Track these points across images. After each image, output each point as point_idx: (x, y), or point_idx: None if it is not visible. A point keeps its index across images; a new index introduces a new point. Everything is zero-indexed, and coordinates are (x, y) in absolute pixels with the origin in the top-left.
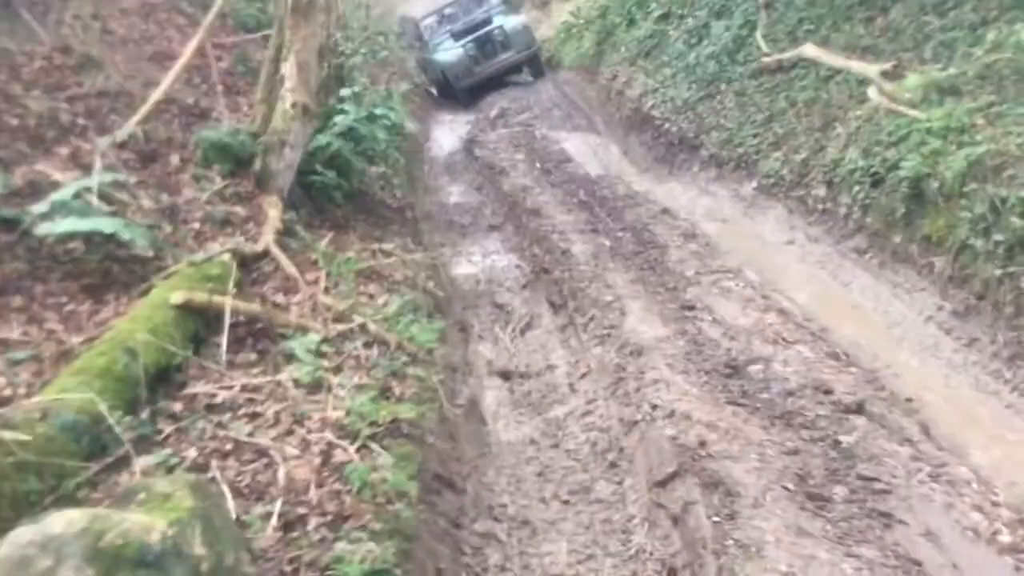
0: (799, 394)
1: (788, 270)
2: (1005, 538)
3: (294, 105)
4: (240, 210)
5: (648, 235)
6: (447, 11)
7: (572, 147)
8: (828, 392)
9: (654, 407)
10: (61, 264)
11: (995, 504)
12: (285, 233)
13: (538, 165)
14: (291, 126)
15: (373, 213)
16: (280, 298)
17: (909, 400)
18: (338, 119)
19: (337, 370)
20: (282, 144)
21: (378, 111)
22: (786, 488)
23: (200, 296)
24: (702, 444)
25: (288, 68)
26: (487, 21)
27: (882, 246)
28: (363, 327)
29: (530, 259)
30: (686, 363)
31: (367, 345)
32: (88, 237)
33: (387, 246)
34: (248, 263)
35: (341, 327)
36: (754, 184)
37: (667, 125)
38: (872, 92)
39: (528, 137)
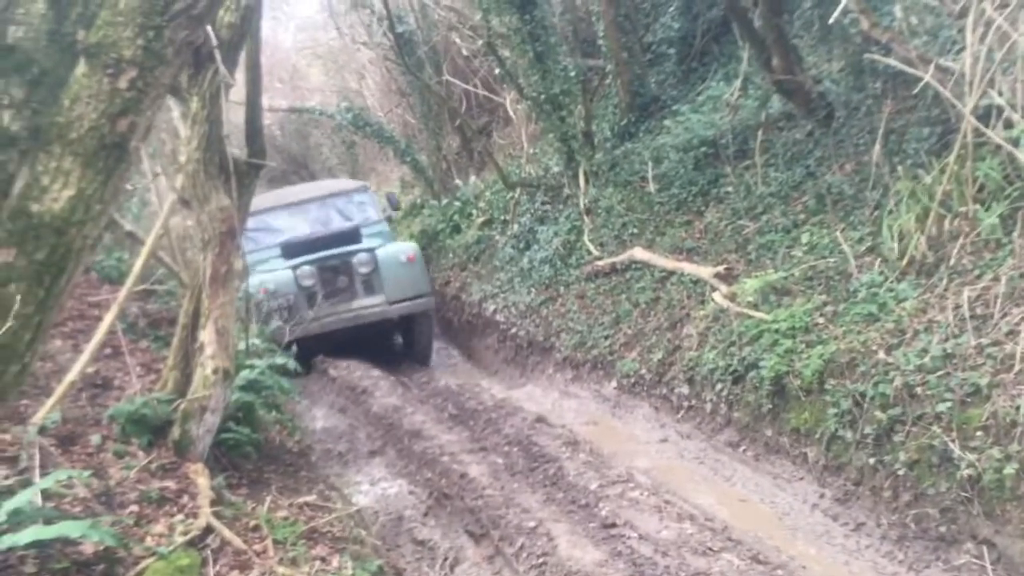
0: None
1: (674, 470)
2: None
3: (215, 371)
4: (171, 484)
5: (536, 448)
6: (287, 205)
7: None
8: None
9: None
10: None
11: None
12: (216, 502)
13: (402, 380)
14: (212, 391)
15: (280, 462)
16: None
17: None
18: (243, 373)
19: None
20: (203, 410)
21: (279, 359)
22: None
23: None
24: None
25: (207, 335)
26: (350, 237)
27: (753, 439)
28: None
29: (423, 484)
30: None
31: None
32: (43, 544)
33: (309, 498)
34: (195, 543)
35: None
36: (614, 384)
37: (513, 329)
38: (717, 296)
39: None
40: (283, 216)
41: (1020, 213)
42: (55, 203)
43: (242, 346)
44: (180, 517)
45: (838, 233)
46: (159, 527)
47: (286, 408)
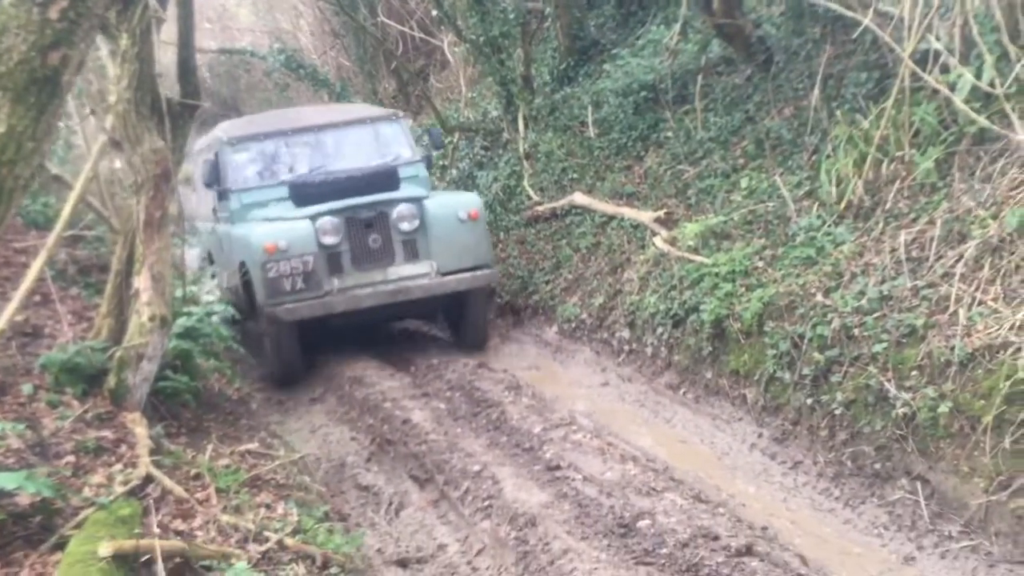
0: (693, 544)
1: (615, 413)
2: None
3: (152, 318)
4: (108, 434)
5: (478, 393)
6: (294, 132)
7: None
8: (716, 538)
9: None
10: None
11: None
12: (155, 451)
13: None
14: (149, 339)
15: (220, 410)
16: (181, 525)
17: (764, 528)
18: (180, 320)
19: None
20: (139, 357)
21: (218, 306)
22: None
23: (127, 543)
24: None
25: (143, 281)
26: (385, 180)
27: (693, 381)
28: (281, 544)
29: (366, 430)
30: (582, 527)
31: (293, 562)
32: None
33: (251, 446)
34: (135, 493)
35: (259, 548)
36: (555, 329)
37: None
38: (657, 240)
39: None
40: (287, 146)
41: (955, 157)
42: None
43: (179, 293)
44: (119, 467)
45: (777, 178)
46: (97, 477)
47: (224, 356)
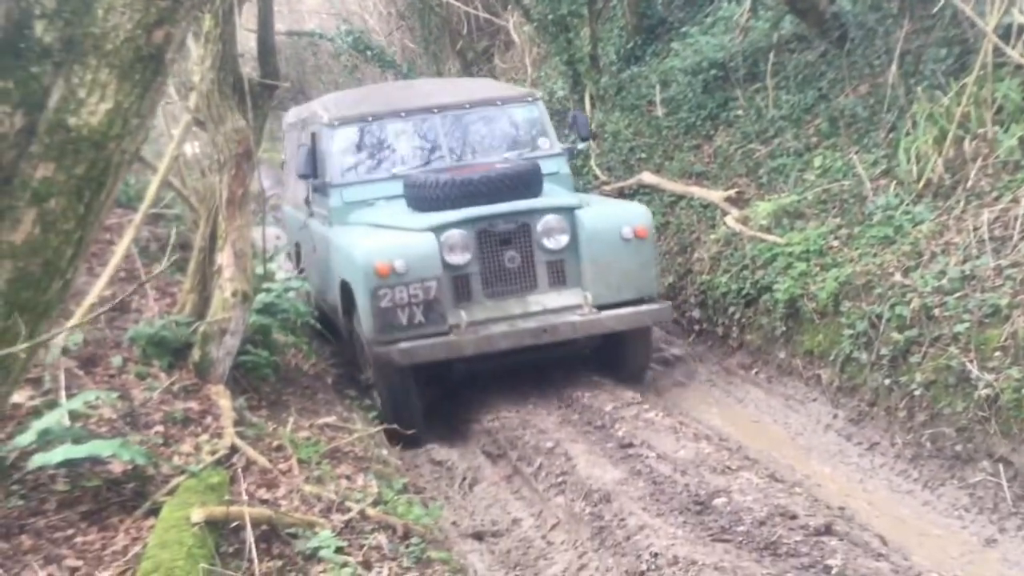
0: (771, 523)
1: (686, 392)
2: None
3: (235, 293)
4: (194, 405)
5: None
6: (408, 113)
7: None
8: (794, 517)
9: (655, 555)
10: (53, 494)
11: None
12: (238, 422)
13: None
14: (232, 314)
15: (298, 384)
16: (265, 494)
17: (842, 508)
18: (259, 296)
19: (366, 566)
20: (222, 332)
21: (294, 283)
22: None
23: (218, 510)
24: None
25: (225, 258)
26: (527, 182)
27: (766, 361)
28: (363, 514)
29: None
30: (657, 504)
31: (375, 532)
32: (73, 463)
33: (328, 419)
34: (221, 463)
35: (342, 517)
36: None
37: None
38: (729, 220)
39: None
40: (402, 131)
41: None
42: (92, 116)
43: (259, 270)
44: (205, 437)
45: (854, 156)
46: (185, 447)
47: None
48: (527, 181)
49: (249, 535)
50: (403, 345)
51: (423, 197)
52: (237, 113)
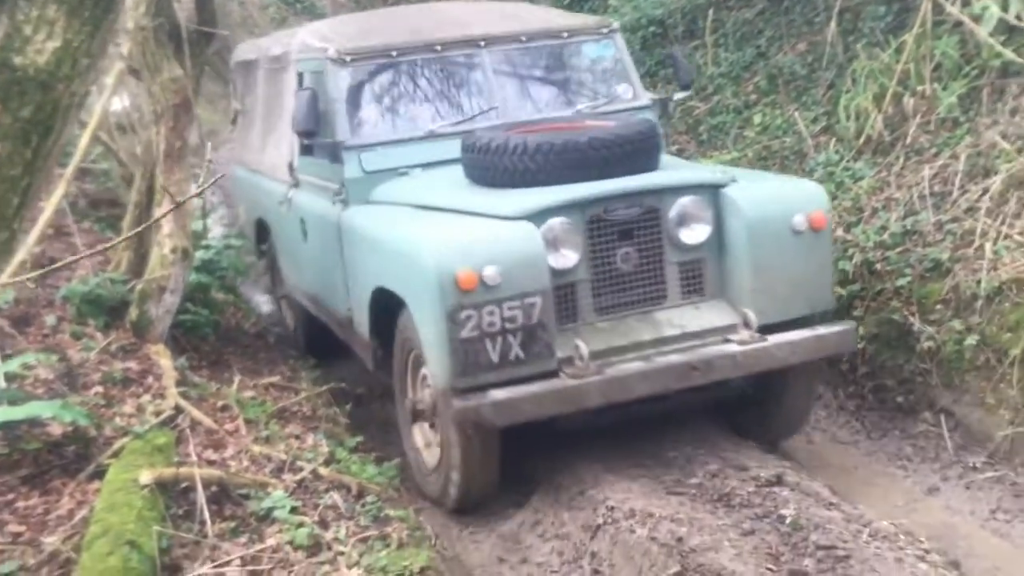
0: (722, 475)
1: None
2: None
3: (174, 250)
4: (133, 365)
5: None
6: (440, 48)
7: None
8: (745, 469)
9: None
10: None
11: None
12: (180, 382)
13: None
14: (171, 271)
15: (239, 343)
16: (213, 455)
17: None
18: (198, 254)
19: (323, 525)
20: (161, 290)
21: (235, 241)
22: None
23: (167, 471)
24: None
25: (163, 213)
26: (643, 147)
27: None
28: (316, 474)
29: None
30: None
31: (329, 491)
32: (11, 425)
33: (273, 379)
34: (166, 424)
35: (294, 477)
36: None
37: None
38: None
39: None
40: (437, 72)
41: (979, 92)
42: (39, 55)
43: (198, 226)
44: (147, 398)
45: (794, 113)
46: (127, 408)
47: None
48: (647, 146)
49: (200, 496)
50: (497, 396)
51: (497, 167)
52: (174, 62)
